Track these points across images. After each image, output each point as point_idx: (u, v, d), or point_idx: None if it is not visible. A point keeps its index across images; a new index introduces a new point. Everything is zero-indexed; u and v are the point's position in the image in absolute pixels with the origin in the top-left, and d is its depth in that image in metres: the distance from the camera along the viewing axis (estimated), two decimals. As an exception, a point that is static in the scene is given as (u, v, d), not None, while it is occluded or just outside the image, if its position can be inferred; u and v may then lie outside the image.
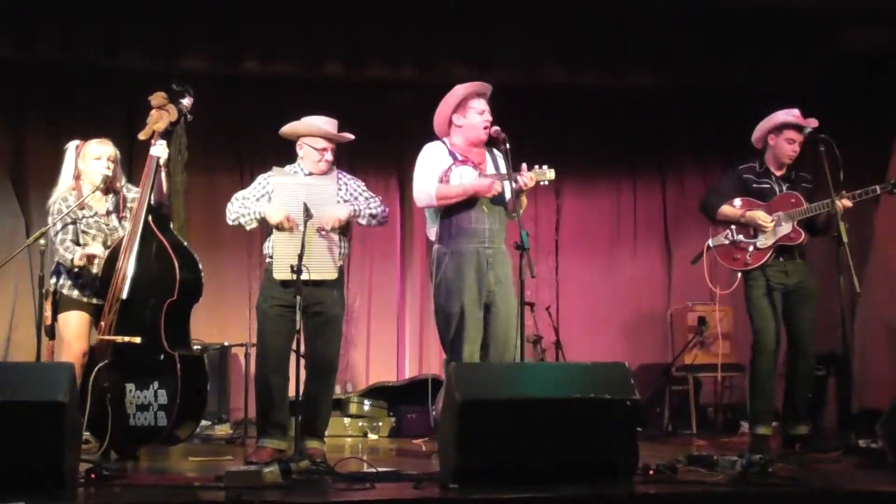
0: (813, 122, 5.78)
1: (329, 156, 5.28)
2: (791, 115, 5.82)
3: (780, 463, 4.50)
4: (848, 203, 5.58)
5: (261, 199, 5.21)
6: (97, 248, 5.20)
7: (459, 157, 5.30)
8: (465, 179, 5.23)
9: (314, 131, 5.28)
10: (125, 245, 5.14)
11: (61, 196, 5.32)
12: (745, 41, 7.32)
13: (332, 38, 7.21)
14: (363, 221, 5.29)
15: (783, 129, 5.82)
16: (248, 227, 5.25)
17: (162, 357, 4.99)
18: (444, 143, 5.39)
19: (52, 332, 5.29)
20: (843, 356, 5.97)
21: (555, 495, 3.73)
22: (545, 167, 5.17)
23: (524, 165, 5.21)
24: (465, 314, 5.13)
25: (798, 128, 5.78)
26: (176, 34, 7.03)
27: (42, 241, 5.13)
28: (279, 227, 5.08)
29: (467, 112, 5.32)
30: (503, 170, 5.26)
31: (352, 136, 5.37)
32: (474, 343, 5.16)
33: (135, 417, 5.00)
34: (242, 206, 5.20)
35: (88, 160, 5.35)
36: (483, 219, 5.20)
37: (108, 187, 5.37)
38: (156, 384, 5.00)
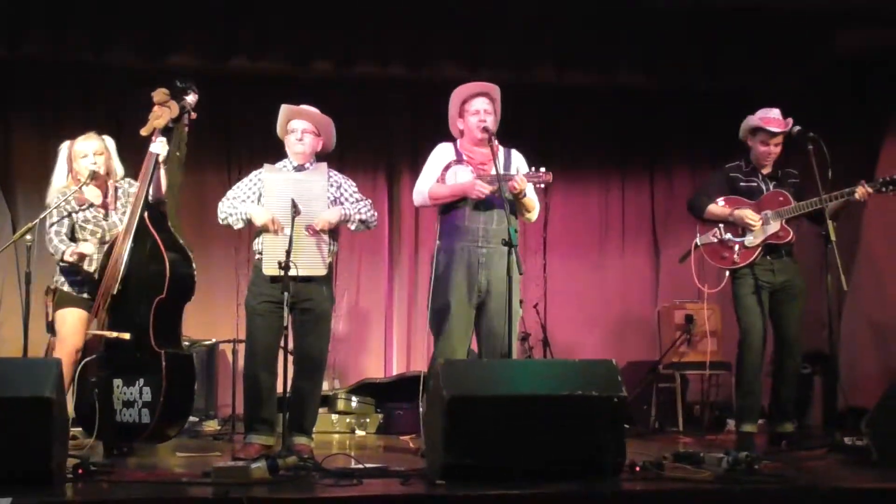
0: (784, 125, 5.69)
1: (299, 135, 5.25)
2: (761, 118, 5.74)
3: (766, 460, 4.51)
4: (869, 189, 5.52)
5: (248, 199, 5.22)
6: (88, 248, 5.19)
7: (465, 158, 5.32)
8: (459, 179, 5.26)
9: (284, 112, 5.30)
10: (120, 241, 5.14)
11: (59, 190, 5.33)
12: (734, 42, 7.33)
13: (322, 36, 7.19)
14: (352, 227, 5.29)
15: (756, 132, 5.79)
16: (235, 227, 5.26)
17: (149, 355, 4.99)
18: (454, 143, 5.43)
19: (53, 329, 5.30)
20: (829, 354, 5.99)
21: (542, 492, 3.75)
22: (542, 170, 5.16)
23: (519, 168, 5.23)
24: (449, 311, 5.17)
25: (770, 131, 5.73)
26: (164, 31, 6.99)
27: (28, 237, 5.07)
28: (265, 229, 5.09)
29: (466, 114, 5.34)
30: (514, 171, 5.26)
31: (316, 110, 5.35)
32: (459, 342, 5.18)
33: (121, 413, 5.02)
34: (231, 206, 5.20)
35: (78, 159, 5.36)
36: (477, 218, 5.21)
37: (102, 180, 5.38)
38: (141, 381, 5.01)
